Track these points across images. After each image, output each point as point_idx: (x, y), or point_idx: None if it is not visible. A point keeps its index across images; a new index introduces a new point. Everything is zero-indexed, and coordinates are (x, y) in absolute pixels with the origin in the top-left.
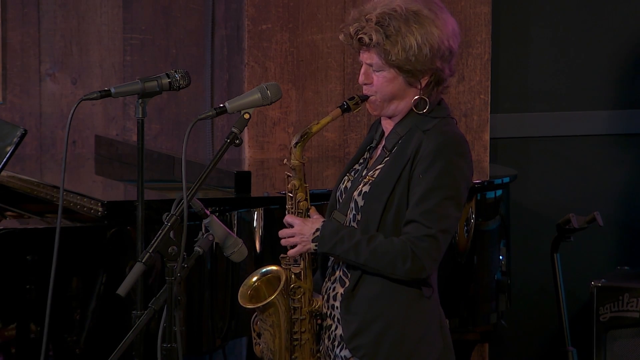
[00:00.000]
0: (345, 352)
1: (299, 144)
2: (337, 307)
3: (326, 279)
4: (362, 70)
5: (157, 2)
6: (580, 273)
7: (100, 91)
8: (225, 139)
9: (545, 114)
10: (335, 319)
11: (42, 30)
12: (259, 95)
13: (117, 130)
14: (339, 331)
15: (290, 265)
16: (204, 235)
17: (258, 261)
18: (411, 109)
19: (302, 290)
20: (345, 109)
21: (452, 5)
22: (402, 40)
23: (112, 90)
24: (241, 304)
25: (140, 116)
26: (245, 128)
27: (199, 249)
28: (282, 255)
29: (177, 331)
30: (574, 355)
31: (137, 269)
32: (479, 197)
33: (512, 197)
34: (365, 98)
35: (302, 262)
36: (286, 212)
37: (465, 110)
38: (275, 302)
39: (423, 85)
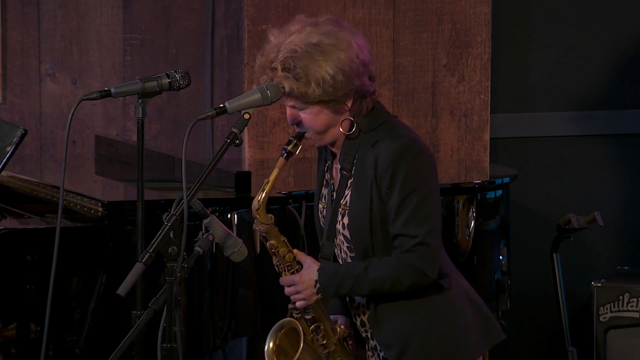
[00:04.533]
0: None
1: (259, 210)
2: (367, 324)
3: (348, 304)
4: (288, 113)
5: (157, 2)
6: (580, 273)
7: (100, 91)
8: (225, 139)
9: (545, 114)
10: (370, 334)
11: (42, 30)
12: (259, 95)
13: (117, 130)
14: (375, 342)
15: (301, 314)
16: (204, 235)
17: (258, 261)
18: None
19: (322, 328)
20: (288, 156)
21: (452, 5)
22: (313, 78)
23: (112, 90)
24: None
25: (140, 116)
26: (245, 128)
27: (199, 249)
28: (290, 305)
29: (177, 331)
30: (574, 355)
31: (137, 269)
32: (479, 197)
33: (512, 197)
34: (301, 136)
35: (311, 309)
36: (275, 268)
37: (465, 110)
38: (303, 356)
39: (350, 106)
